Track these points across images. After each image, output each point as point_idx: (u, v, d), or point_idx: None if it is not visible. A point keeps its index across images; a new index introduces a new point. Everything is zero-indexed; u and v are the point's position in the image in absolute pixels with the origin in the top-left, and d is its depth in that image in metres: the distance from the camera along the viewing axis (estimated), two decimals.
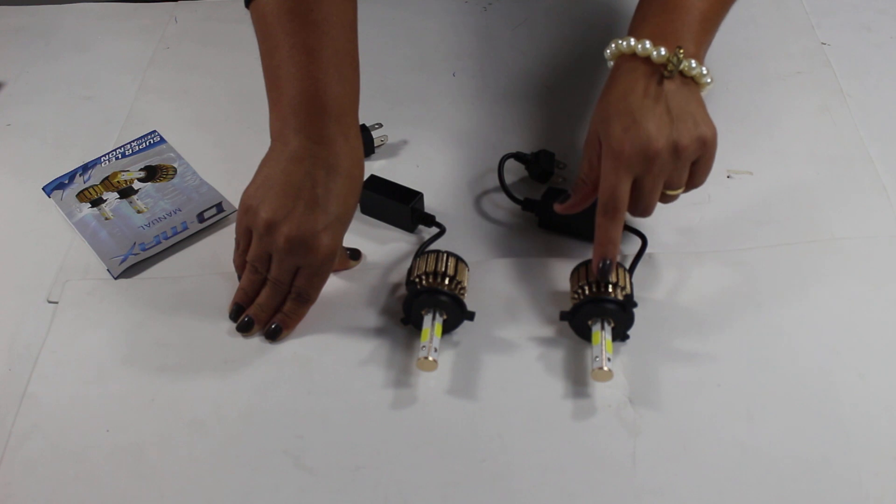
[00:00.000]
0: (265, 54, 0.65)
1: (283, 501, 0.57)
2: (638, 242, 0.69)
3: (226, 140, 0.83)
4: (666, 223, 0.72)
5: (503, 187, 0.73)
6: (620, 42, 0.63)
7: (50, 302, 0.69)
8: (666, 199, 0.64)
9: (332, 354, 0.64)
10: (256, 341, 0.65)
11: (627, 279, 0.63)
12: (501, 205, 0.74)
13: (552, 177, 0.76)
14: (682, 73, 0.62)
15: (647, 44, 0.62)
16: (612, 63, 0.66)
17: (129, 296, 0.69)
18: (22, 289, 0.70)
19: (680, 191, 0.64)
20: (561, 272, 0.67)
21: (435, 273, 0.63)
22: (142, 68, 0.92)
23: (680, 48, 0.61)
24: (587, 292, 0.62)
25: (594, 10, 0.96)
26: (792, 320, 0.64)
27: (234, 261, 0.67)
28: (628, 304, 0.62)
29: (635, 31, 0.65)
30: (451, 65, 0.90)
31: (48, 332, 0.67)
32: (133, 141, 0.83)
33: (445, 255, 0.64)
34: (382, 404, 0.61)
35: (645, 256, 0.68)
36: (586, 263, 0.64)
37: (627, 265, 0.66)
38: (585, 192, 0.64)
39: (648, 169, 0.61)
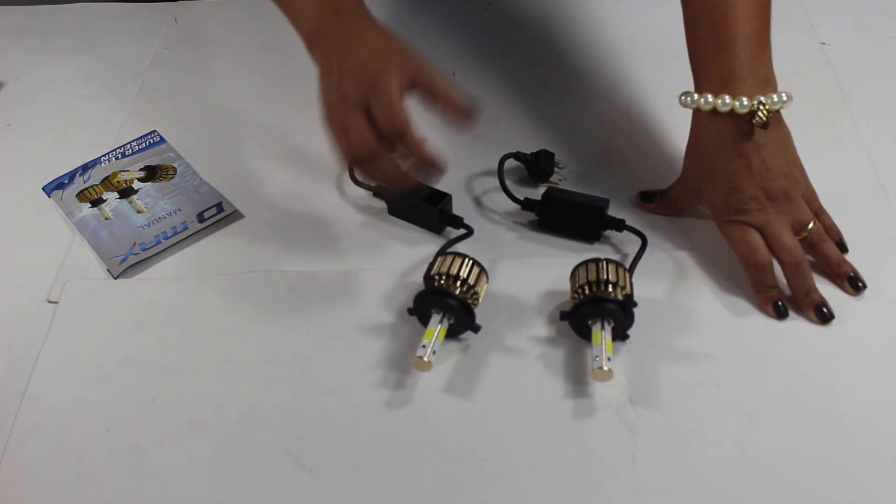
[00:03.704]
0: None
1: (283, 501, 0.57)
2: (638, 242, 0.69)
3: (226, 140, 0.83)
4: (666, 223, 0.72)
5: (503, 187, 0.73)
6: (697, 97, 0.64)
7: (50, 302, 0.69)
8: (811, 240, 0.66)
9: (332, 354, 0.64)
10: (256, 341, 0.65)
11: (627, 279, 0.63)
12: (501, 205, 0.74)
13: (552, 177, 0.76)
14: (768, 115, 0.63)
15: (727, 98, 0.63)
16: (689, 109, 0.67)
17: (129, 296, 0.69)
18: (22, 289, 0.70)
19: (812, 225, 0.65)
20: (561, 272, 0.67)
21: (457, 277, 0.63)
22: (142, 68, 0.92)
23: (762, 102, 0.62)
24: (587, 292, 0.62)
25: (594, 9, 0.96)
26: (792, 320, 0.64)
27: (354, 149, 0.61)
28: (628, 304, 0.62)
29: (700, 75, 0.66)
30: (451, 65, 0.90)
31: (48, 332, 0.67)
32: (133, 141, 0.83)
33: (471, 262, 0.64)
34: (383, 404, 0.61)
35: (645, 256, 0.68)
36: (586, 263, 0.64)
37: (627, 265, 0.66)
38: (666, 211, 0.72)
39: (766, 218, 0.65)
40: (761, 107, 0.62)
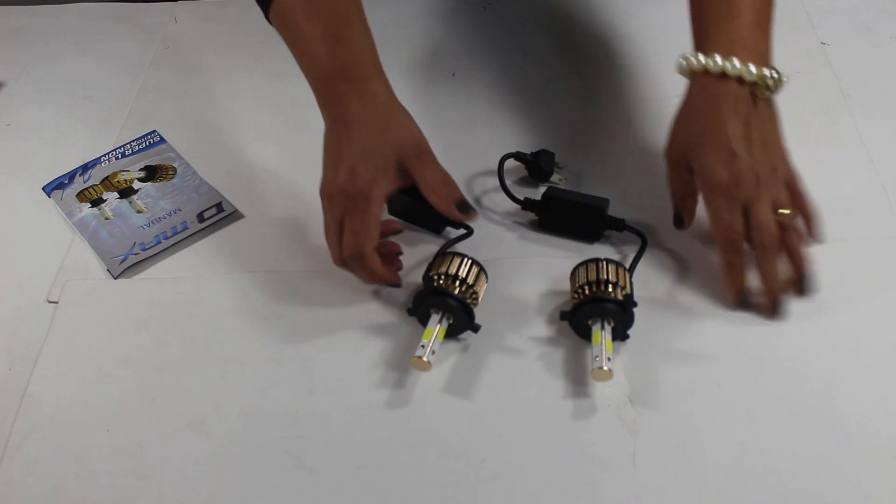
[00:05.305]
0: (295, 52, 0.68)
1: (283, 501, 0.57)
2: (638, 242, 0.69)
3: (226, 140, 0.83)
4: (666, 223, 0.72)
5: (503, 187, 0.73)
6: (704, 59, 0.63)
7: (50, 302, 0.69)
8: (782, 224, 0.64)
9: (332, 354, 0.64)
10: (255, 341, 0.65)
11: (627, 279, 0.63)
12: (501, 205, 0.74)
13: (552, 177, 0.76)
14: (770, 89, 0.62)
15: (737, 62, 0.62)
16: (687, 74, 0.66)
17: (129, 296, 0.69)
18: (22, 289, 0.70)
19: (789, 211, 0.64)
20: (561, 272, 0.67)
21: (455, 276, 0.63)
22: (142, 68, 0.92)
23: (774, 70, 0.62)
24: (587, 292, 0.62)
25: (594, 9, 0.96)
26: (791, 320, 0.64)
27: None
28: (628, 303, 0.62)
29: (706, 40, 0.64)
30: (451, 65, 0.90)
31: (48, 332, 0.67)
32: (133, 141, 0.83)
33: (470, 262, 0.64)
34: (383, 404, 0.61)
35: (645, 256, 0.68)
36: (586, 263, 0.64)
37: (627, 265, 0.66)
38: (691, 203, 0.68)
39: (757, 195, 0.62)
40: (771, 75, 0.62)
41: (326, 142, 0.65)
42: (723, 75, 0.63)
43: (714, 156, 0.63)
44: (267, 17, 0.68)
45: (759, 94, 0.63)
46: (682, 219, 0.69)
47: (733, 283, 0.64)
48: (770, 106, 0.64)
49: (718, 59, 0.62)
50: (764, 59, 0.63)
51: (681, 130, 0.66)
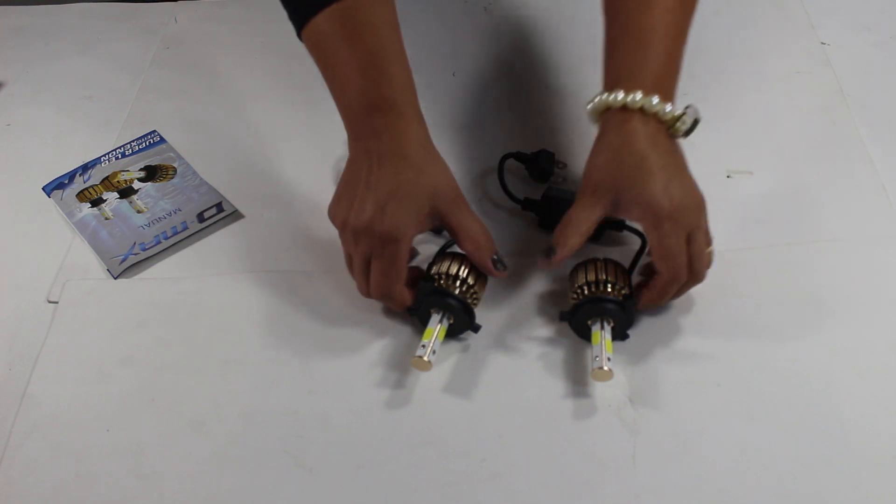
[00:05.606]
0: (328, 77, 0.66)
1: (283, 501, 0.57)
2: (638, 242, 0.69)
3: (226, 140, 0.83)
4: None
5: (503, 187, 0.73)
6: (624, 94, 0.61)
7: (50, 302, 0.69)
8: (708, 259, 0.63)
9: (332, 354, 0.64)
10: (255, 341, 0.65)
11: (627, 279, 0.63)
12: (501, 205, 0.74)
13: (552, 177, 0.76)
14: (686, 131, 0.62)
15: (656, 99, 0.60)
16: (598, 114, 0.63)
17: (129, 296, 0.69)
18: (22, 289, 0.70)
19: (712, 248, 0.63)
20: (561, 272, 0.67)
21: (456, 276, 0.63)
22: (142, 68, 0.92)
23: (688, 106, 0.61)
24: (586, 292, 0.62)
25: (594, 10, 0.96)
26: (792, 320, 0.64)
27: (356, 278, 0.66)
28: (628, 303, 0.62)
29: (625, 81, 0.62)
30: (451, 65, 0.90)
31: (48, 332, 0.67)
32: (133, 141, 0.83)
33: (471, 262, 0.64)
34: (383, 404, 0.61)
35: (645, 256, 0.68)
36: (585, 263, 0.64)
37: (627, 265, 0.66)
38: (582, 239, 0.62)
39: (698, 223, 0.61)
40: (687, 113, 0.61)
41: (351, 171, 0.63)
42: (641, 111, 0.61)
43: (653, 184, 0.60)
44: (298, 35, 0.65)
45: (672, 134, 0.62)
46: (554, 250, 0.62)
47: (652, 303, 0.63)
48: (679, 146, 0.63)
49: (640, 93, 0.60)
50: (673, 103, 0.62)
51: (607, 164, 0.62)
